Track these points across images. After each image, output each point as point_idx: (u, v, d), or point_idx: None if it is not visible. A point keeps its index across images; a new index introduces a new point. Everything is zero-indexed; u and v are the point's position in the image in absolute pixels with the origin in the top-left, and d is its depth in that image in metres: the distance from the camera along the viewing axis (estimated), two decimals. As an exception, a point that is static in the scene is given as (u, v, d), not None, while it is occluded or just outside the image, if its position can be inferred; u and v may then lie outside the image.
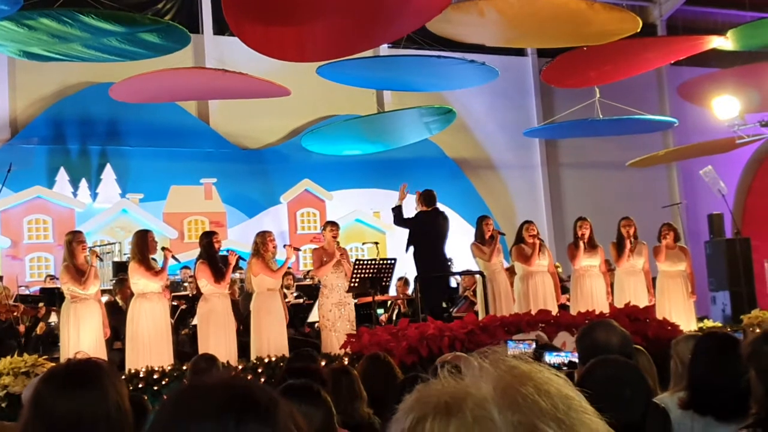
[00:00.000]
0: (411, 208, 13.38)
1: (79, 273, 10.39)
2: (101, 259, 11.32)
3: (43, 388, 2.67)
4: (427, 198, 13.08)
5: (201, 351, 9.99)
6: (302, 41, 12.63)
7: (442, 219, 13.14)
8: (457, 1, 13.70)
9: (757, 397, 3.43)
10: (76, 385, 2.66)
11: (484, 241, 12.91)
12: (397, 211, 13.21)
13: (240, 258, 11.76)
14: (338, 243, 12.22)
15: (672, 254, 12.97)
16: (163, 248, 11.33)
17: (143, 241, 10.88)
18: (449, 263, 13.54)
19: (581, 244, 12.67)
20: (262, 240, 11.50)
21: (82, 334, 10.25)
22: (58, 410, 2.62)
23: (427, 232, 12.87)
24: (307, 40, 12.63)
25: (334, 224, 12.45)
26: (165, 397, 1.54)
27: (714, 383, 4.09)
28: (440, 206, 13.19)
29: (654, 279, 13.24)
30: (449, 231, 13.23)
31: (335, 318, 11.76)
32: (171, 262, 11.31)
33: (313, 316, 13.75)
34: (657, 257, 12.95)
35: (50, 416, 2.62)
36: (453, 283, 16.00)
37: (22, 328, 13.45)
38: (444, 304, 13.60)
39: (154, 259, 11.16)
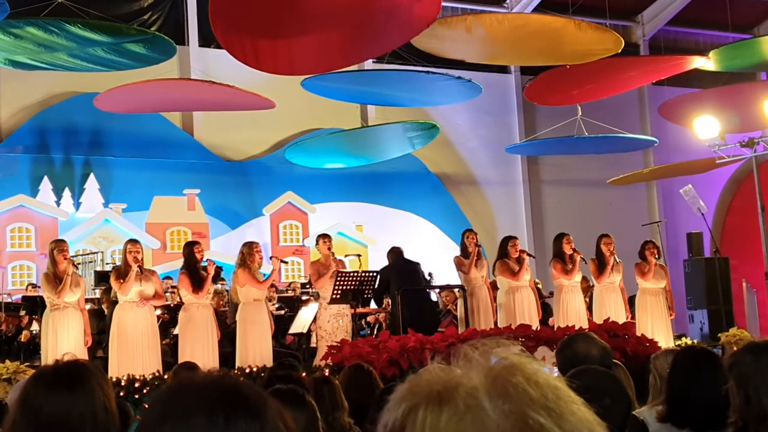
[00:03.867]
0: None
1: (57, 281, 10.39)
2: (141, 270, 10.91)
3: (31, 388, 2.69)
4: (392, 254, 13.65)
5: (181, 360, 10.00)
6: (289, 54, 12.65)
7: (411, 265, 13.48)
8: (444, 16, 13.76)
9: (735, 407, 3.48)
10: (63, 386, 2.68)
11: (467, 254, 12.96)
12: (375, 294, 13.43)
13: (219, 268, 11.69)
14: (334, 254, 12.27)
15: (655, 271, 13.03)
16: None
17: (123, 251, 10.96)
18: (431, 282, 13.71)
19: (577, 258, 12.73)
20: (249, 251, 11.42)
21: (61, 342, 10.21)
22: (46, 410, 2.64)
23: (398, 280, 13.03)
24: (293, 54, 12.66)
25: (327, 236, 12.50)
26: (153, 396, 1.54)
27: (692, 396, 4.12)
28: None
29: (632, 297, 13.28)
30: (421, 273, 13.71)
31: (333, 329, 11.73)
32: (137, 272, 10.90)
33: (295, 328, 13.74)
34: (644, 275, 12.96)
35: (37, 416, 2.64)
36: (434, 298, 16.01)
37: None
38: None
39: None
